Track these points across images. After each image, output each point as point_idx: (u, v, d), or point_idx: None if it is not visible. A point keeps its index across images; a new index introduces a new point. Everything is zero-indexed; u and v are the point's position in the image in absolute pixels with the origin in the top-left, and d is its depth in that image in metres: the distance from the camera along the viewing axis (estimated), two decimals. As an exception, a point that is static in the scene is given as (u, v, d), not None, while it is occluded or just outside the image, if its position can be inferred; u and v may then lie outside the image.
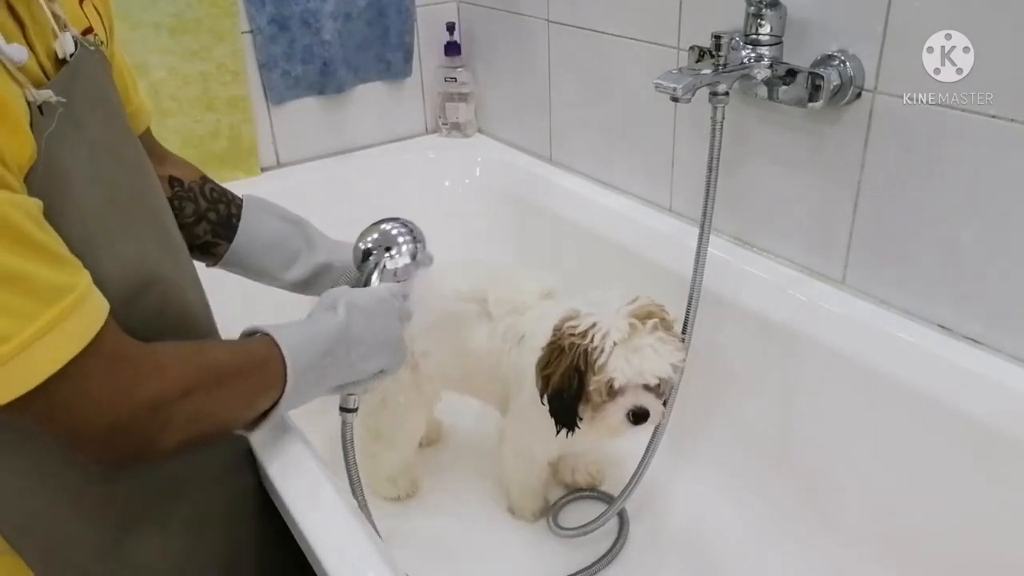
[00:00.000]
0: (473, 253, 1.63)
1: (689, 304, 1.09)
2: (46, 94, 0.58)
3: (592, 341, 0.94)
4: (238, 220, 0.89)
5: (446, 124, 1.79)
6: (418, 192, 1.63)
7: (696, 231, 1.09)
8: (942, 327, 1.02)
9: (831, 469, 1.12)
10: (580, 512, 1.24)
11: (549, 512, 1.23)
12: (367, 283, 0.88)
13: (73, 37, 0.65)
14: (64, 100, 0.60)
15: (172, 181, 0.87)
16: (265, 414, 0.73)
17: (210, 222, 0.88)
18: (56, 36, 0.63)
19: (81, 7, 0.70)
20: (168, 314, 0.71)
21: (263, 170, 1.61)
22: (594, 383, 0.95)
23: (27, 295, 0.53)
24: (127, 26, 1.38)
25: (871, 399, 1.04)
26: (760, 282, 1.19)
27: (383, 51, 1.67)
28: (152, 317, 0.68)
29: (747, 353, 1.20)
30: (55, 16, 0.63)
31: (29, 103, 0.57)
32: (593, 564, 1.16)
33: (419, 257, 0.91)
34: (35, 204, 0.55)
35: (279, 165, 1.64)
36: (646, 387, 0.96)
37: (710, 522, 1.22)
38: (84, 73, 0.66)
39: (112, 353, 0.59)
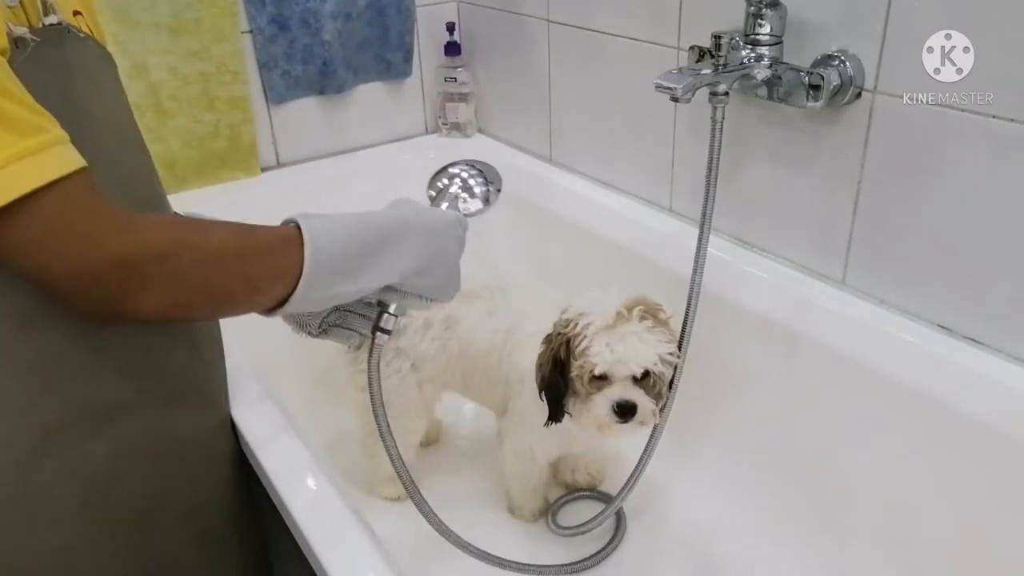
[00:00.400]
0: (473, 252, 1.63)
1: (688, 304, 1.09)
2: (22, 30, 0.62)
3: (575, 329, 0.94)
4: None
5: (446, 124, 1.79)
6: (418, 192, 1.62)
7: (696, 231, 1.09)
8: (942, 327, 1.02)
9: (831, 469, 1.12)
10: (579, 512, 1.24)
11: (548, 511, 1.23)
12: None
13: (59, 20, 0.69)
14: (37, 39, 0.63)
15: None
16: (285, 301, 0.71)
17: None
18: (41, 16, 0.67)
19: (74, 17, 0.73)
20: None
21: (263, 170, 1.61)
22: (576, 369, 0.94)
23: (2, 126, 0.55)
24: (127, 26, 1.38)
25: (871, 399, 1.04)
26: (760, 282, 1.19)
27: (383, 51, 1.67)
28: None
29: (747, 353, 1.20)
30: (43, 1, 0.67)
31: (8, 35, 0.60)
32: (587, 558, 1.16)
33: (492, 200, 0.89)
34: (6, 65, 0.57)
35: (279, 165, 1.64)
36: (635, 381, 0.95)
37: (710, 522, 1.22)
38: (72, 48, 0.69)
39: (84, 201, 0.60)
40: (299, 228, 0.70)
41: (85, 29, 0.74)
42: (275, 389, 0.98)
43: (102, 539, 0.76)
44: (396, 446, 0.91)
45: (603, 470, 1.29)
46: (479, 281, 1.15)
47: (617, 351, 0.92)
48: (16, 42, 0.61)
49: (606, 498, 1.26)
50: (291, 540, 0.79)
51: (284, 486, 0.80)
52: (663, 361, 0.95)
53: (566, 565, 1.14)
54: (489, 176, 0.90)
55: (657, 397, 0.97)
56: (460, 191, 0.89)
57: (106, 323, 0.67)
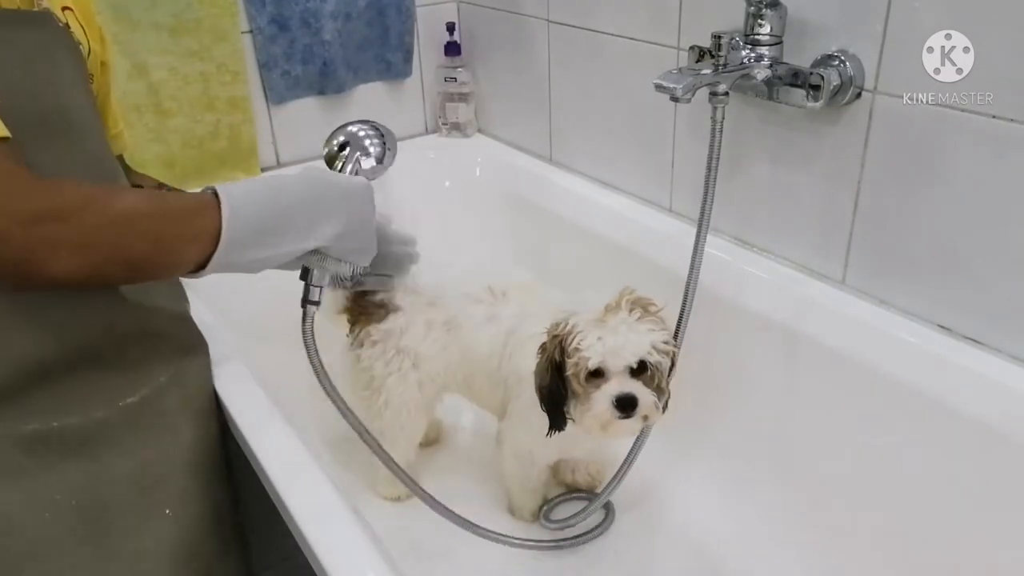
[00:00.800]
0: (473, 253, 1.63)
1: (684, 301, 1.09)
2: None
3: (566, 328, 0.94)
4: None
5: (446, 124, 1.79)
6: (418, 192, 1.63)
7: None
8: (942, 327, 1.02)
9: (830, 469, 1.12)
10: (573, 510, 1.24)
11: (543, 507, 1.24)
12: None
13: (45, 8, 0.72)
14: None
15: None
16: (204, 264, 0.73)
17: None
18: (34, 2, 0.71)
19: (62, 12, 0.76)
20: None
21: (263, 170, 1.61)
22: (571, 368, 0.93)
23: None
24: (127, 26, 1.38)
25: (871, 399, 1.04)
26: (760, 282, 1.19)
27: (383, 51, 1.67)
28: None
29: (747, 353, 1.20)
30: None
31: None
32: (571, 538, 1.18)
33: (386, 161, 0.91)
34: None
35: (279, 165, 1.64)
36: (633, 374, 0.93)
37: (708, 522, 1.22)
38: (41, 30, 0.72)
39: None
40: (215, 194, 0.72)
41: (71, 22, 0.76)
42: (276, 388, 0.98)
43: (45, 484, 0.76)
44: (346, 405, 0.92)
45: (603, 471, 1.29)
46: (482, 284, 1.16)
47: (609, 342, 0.91)
48: None
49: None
50: (289, 538, 0.79)
51: (284, 485, 0.80)
52: (658, 351, 0.93)
53: (548, 541, 1.16)
54: (387, 138, 0.91)
55: (659, 391, 0.96)
56: (357, 152, 0.90)
57: (22, 287, 0.68)
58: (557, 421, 0.98)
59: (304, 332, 0.87)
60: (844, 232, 1.10)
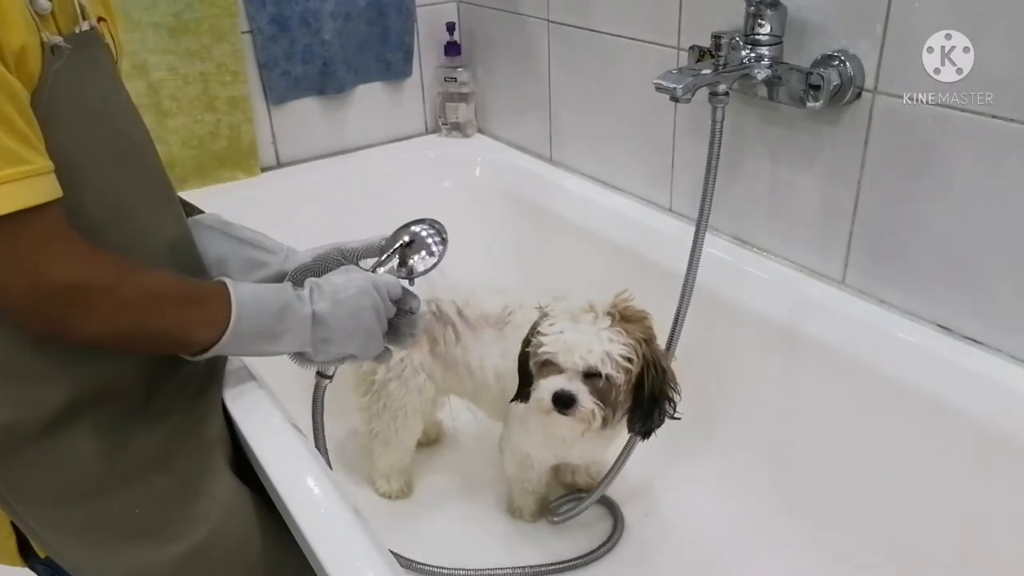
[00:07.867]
0: (473, 253, 1.63)
1: (681, 301, 1.09)
2: (58, 39, 0.67)
3: (544, 310, 0.96)
4: None
5: (446, 124, 1.79)
6: (418, 192, 1.63)
7: (696, 231, 1.08)
8: (942, 327, 1.02)
9: (830, 469, 1.12)
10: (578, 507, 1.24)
11: (552, 505, 1.24)
12: (374, 271, 0.88)
13: (91, 25, 0.74)
14: (71, 47, 0.68)
15: None
16: (208, 348, 0.77)
17: None
18: (78, 20, 0.73)
19: (98, 23, 0.78)
20: (141, 251, 0.77)
21: (263, 170, 1.61)
22: (532, 348, 0.95)
23: None
24: (127, 26, 1.38)
25: (871, 399, 1.04)
26: (760, 282, 1.19)
27: (383, 51, 1.67)
28: (124, 250, 0.74)
29: (747, 353, 1.20)
30: (81, 6, 0.73)
31: (43, 43, 0.65)
32: (587, 554, 1.17)
33: (439, 264, 0.91)
34: (20, 88, 0.62)
35: (279, 165, 1.64)
36: (587, 379, 0.93)
37: (708, 521, 1.22)
38: (94, 50, 0.74)
39: (50, 229, 0.65)
40: (224, 284, 0.76)
41: (105, 36, 0.78)
42: (279, 388, 0.98)
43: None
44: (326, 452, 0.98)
45: (603, 472, 1.29)
46: (498, 302, 1.17)
47: (567, 338, 0.92)
48: (52, 50, 0.66)
49: (606, 500, 1.26)
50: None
51: (284, 485, 0.80)
52: (615, 364, 0.91)
53: (562, 562, 1.15)
54: (445, 241, 0.91)
55: (614, 406, 0.95)
56: (422, 250, 0.90)
57: (46, 341, 0.71)
58: (520, 393, 1.00)
59: (314, 397, 0.94)
60: (844, 232, 1.10)
